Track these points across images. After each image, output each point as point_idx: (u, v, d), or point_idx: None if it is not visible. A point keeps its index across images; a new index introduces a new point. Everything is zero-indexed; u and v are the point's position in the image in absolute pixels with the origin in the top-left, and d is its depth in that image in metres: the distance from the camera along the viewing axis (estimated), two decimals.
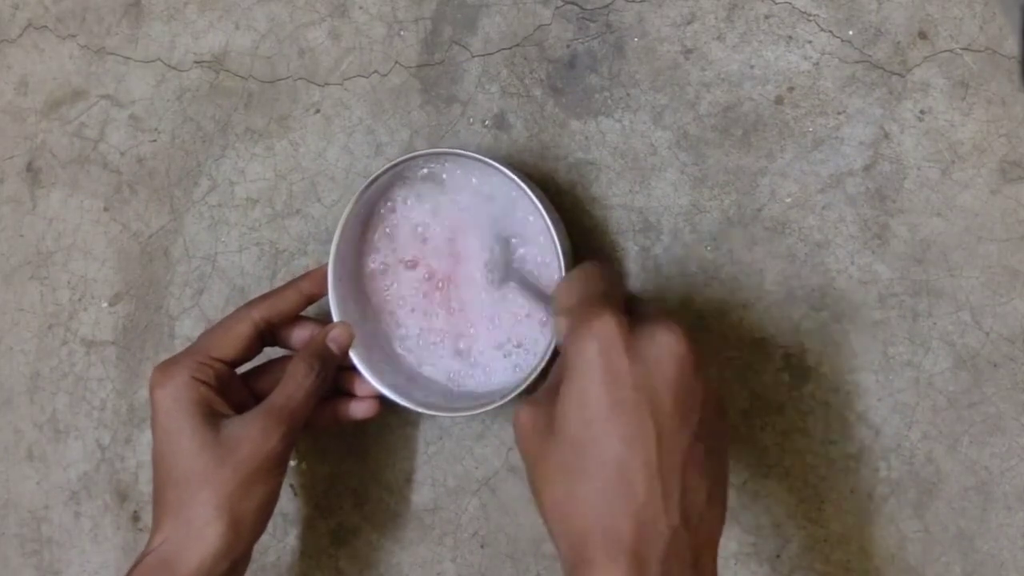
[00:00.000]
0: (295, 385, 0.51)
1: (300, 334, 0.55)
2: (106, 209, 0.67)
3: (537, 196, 0.51)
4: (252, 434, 0.48)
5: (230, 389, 0.52)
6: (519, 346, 0.55)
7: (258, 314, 0.53)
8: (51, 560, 0.67)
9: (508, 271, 0.53)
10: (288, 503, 0.62)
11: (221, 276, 0.64)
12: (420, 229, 0.56)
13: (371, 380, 0.54)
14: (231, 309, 0.64)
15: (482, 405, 0.52)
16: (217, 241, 0.64)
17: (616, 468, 0.37)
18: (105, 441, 0.66)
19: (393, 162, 0.52)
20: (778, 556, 0.54)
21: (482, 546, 0.58)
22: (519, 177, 0.51)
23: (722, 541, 0.54)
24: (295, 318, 0.55)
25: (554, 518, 0.39)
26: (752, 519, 0.54)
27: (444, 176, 0.56)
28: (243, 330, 0.52)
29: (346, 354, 0.54)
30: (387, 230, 0.57)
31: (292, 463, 0.62)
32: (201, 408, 0.49)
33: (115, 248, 0.67)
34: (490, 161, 0.51)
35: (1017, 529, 0.51)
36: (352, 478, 0.61)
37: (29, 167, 0.69)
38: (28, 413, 0.68)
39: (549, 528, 0.39)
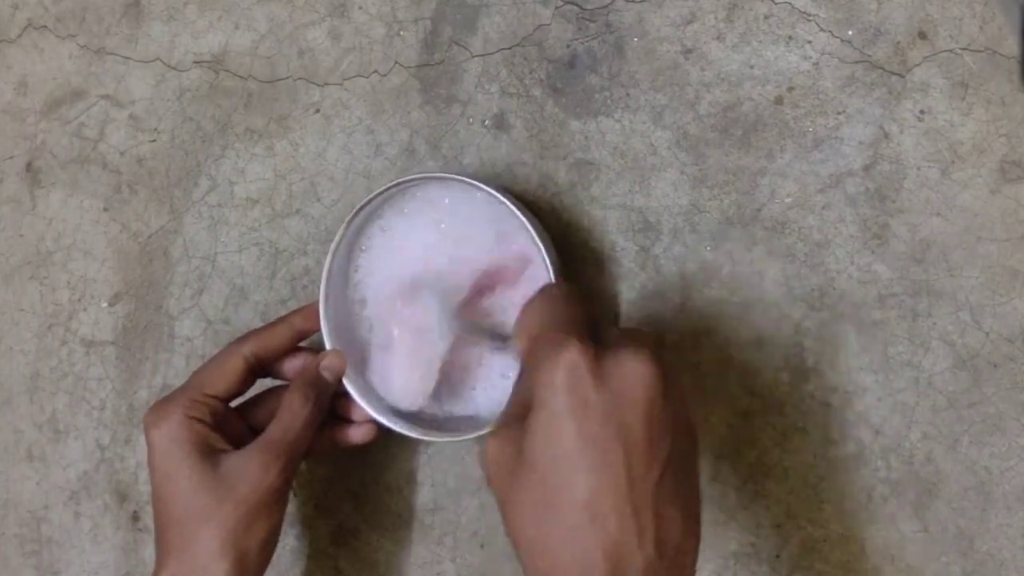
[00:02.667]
0: (291, 417, 0.51)
1: (293, 364, 0.55)
2: (106, 209, 0.67)
3: (526, 217, 0.51)
4: (251, 469, 0.48)
5: (226, 424, 0.52)
6: (504, 376, 0.55)
7: (249, 350, 0.53)
8: (51, 560, 0.67)
9: (452, 324, 0.53)
10: (288, 503, 0.62)
11: (221, 276, 0.64)
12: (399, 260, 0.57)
13: (363, 405, 0.54)
14: (231, 309, 0.64)
15: (475, 429, 0.52)
16: (217, 241, 0.64)
17: (588, 503, 0.36)
18: (105, 441, 0.66)
19: (379, 190, 0.53)
20: (778, 556, 0.54)
21: (482, 546, 0.58)
22: (509, 200, 0.51)
23: (722, 541, 0.54)
24: (295, 349, 0.55)
25: (528, 554, 0.38)
26: (752, 519, 0.54)
27: (423, 202, 0.56)
28: (235, 366, 0.52)
29: (340, 381, 0.54)
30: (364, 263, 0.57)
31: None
32: (198, 446, 0.49)
33: (115, 248, 0.67)
34: (482, 185, 0.51)
35: (1017, 529, 0.51)
36: (352, 478, 0.61)
37: (29, 167, 0.69)
38: (28, 413, 0.68)
39: (523, 564, 0.39)
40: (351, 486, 0.61)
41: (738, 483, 0.54)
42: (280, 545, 0.62)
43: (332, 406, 0.55)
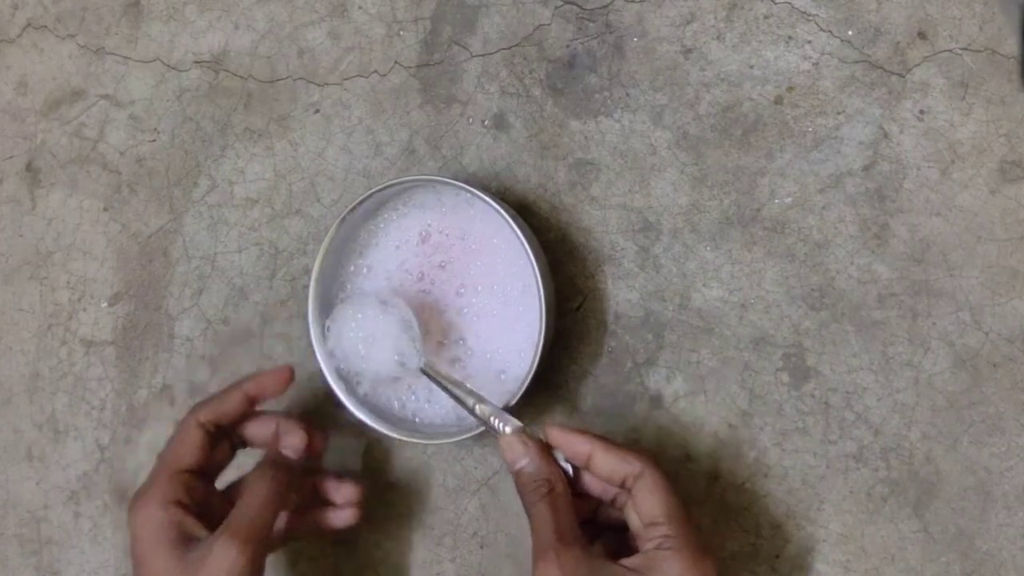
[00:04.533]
0: (251, 499, 0.50)
1: (259, 430, 0.55)
2: (105, 209, 0.67)
3: (515, 221, 0.52)
4: (217, 557, 0.48)
5: (209, 504, 0.52)
6: (500, 379, 0.55)
7: (203, 417, 0.53)
8: (50, 560, 0.67)
9: (420, 360, 0.53)
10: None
11: (220, 276, 0.64)
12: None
13: (359, 415, 0.55)
14: (231, 309, 0.64)
15: (465, 431, 0.53)
16: (216, 241, 0.64)
17: None
18: (104, 441, 0.66)
19: (373, 190, 0.54)
20: (778, 556, 0.54)
21: (482, 546, 0.58)
22: (499, 205, 0.52)
23: (722, 541, 0.54)
24: (255, 414, 0.55)
25: None
26: (752, 519, 0.54)
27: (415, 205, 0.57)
28: (193, 437, 0.52)
29: (304, 458, 0.53)
30: (363, 269, 0.58)
31: None
32: (171, 532, 0.49)
33: (114, 248, 0.66)
34: (475, 191, 0.51)
35: (1017, 529, 0.51)
36: (352, 478, 0.61)
37: (29, 167, 0.69)
38: (28, 413, 0.68)
39: None
40: None
41: (738, 483, 0.54)
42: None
43: (313, 488, 0.55)
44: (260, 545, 0.49)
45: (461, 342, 0.56)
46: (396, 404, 0.57)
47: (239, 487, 0.55)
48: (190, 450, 0.52)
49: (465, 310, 0.56)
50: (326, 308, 0.57)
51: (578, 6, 0.58)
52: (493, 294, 0.55)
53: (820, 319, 0.54)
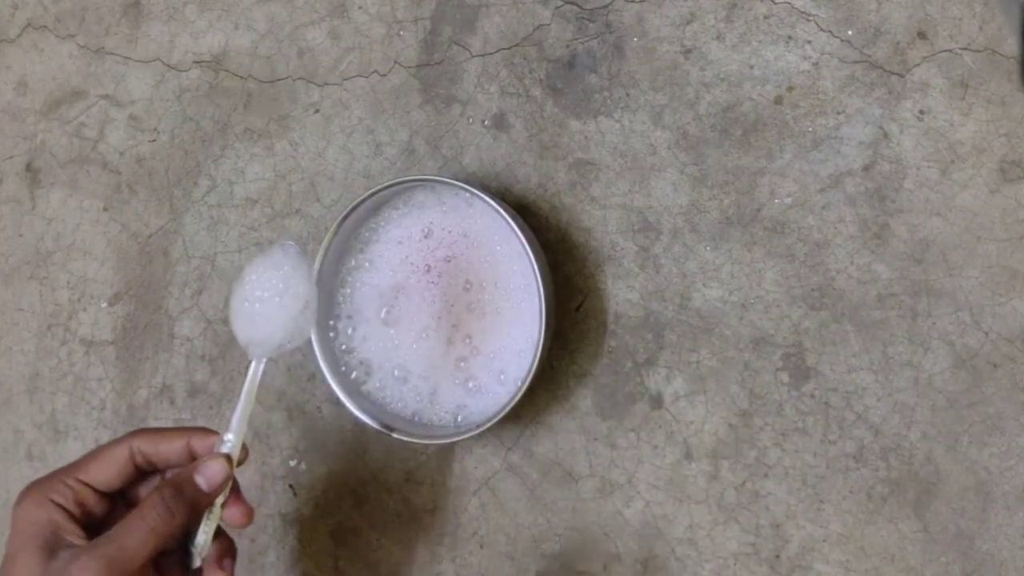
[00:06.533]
0: (133, 524, 0.44)
1: (173, 446, 0.48)
2: (105, 209, 0.67)
3: (518, 225, 0.52)
4: (69, 571, 0.42)
5: (101, 517, 0.47)
6: (500, 381, 0.56)
7: (138, 444, 0.47)
8: None
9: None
10: (288, 503, 0.62)
11: (220, 276, 0.64)
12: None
13: (362, 417, 0.55)
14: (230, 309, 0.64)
15: (465, 431, 0.53)
16: (216, 241, 0.64)
17: None
18: (104, 441, 0.66)
19: (373, 190, 0.54)
20: (778, 556, 0.54)
21: (481, 546, 0.58)
22: (498, 204, 0.52)
23: (722, 541, 0.54)
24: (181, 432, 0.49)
25: None
26: (752, 519, 0.54)
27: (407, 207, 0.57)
28: (118, 455, 0.47)
29: (219, 493, 0.46)
30: (349, 290, 0.58)
31: (292, 463, 0.62)
32: (44, 533, 0.44)
33: (114, 248, 0.66)
34: (470, 188, 0.51)
35: (1017, 529, 0.51)
36: (352, 478, 0.61)
37: (28, 167, 0.69)
38: (27, 413, 0.68)
39: None
40: (351, 486, 0.61)
41: (737, 483, 0.54)
42: (280, 545, 0.62)
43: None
44: (125, 575, 0.43)
45: (468, 340, 0.56)
46: (396, 404, 0.57)
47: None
48: (105, 467, 0.47)
49: (472, 306, 0.56)
50: (327, 308, 0.57)
51: (578, 6, 0.58)
52: (496, 292, 0.55)
53: (820, 319, 0.54)
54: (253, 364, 0.49)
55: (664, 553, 0.55)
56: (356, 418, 0.55)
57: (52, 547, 0.44)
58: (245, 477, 0.62)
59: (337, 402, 0.56)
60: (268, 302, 0.48)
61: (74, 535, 0.45)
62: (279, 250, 0.49)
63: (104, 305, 0.67)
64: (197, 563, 0.46)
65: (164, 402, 0.65)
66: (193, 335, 0.64)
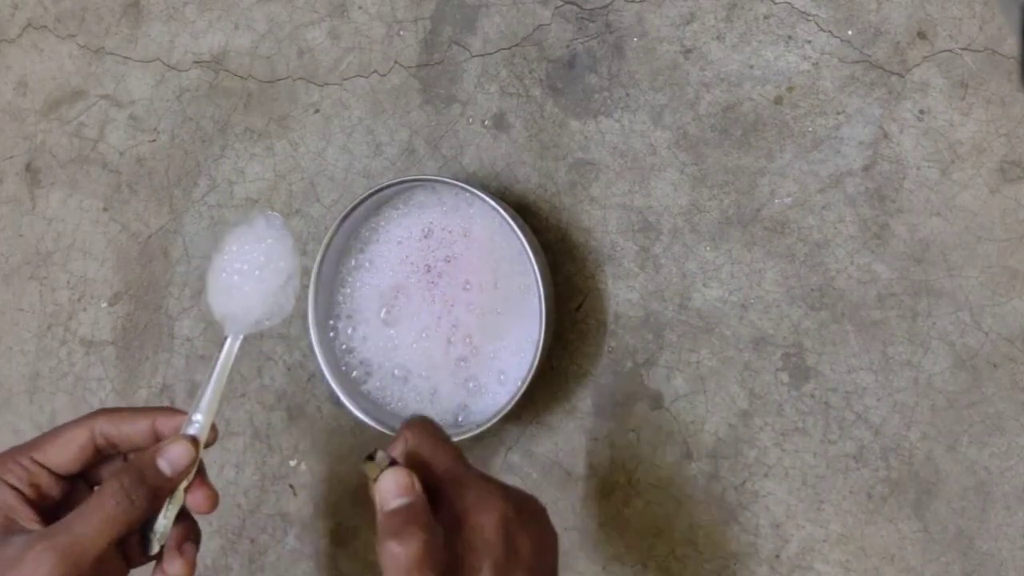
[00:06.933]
0: (90, 511, 0.41)
1: (135, 428, 0.46)
2: (105, 209, 0.67)
3: (517, 224, 0.52)
4: (22, 560, 0.40)
5: (57, 500, 0.45)
6: (500, 381, 0.56)
7: (100, 426, 0.45)
8: None
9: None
10: (288, 503, 0.62)
11: None
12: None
13: (361, 417, 0.55)
14: None
15: (465, 431, 0.53)
16: (216, 241, 0.64)
17: None
18: None
19: (372, 189, 0.54)
20: (778, 556, 0.54)
21: None
22: (499, 205, 0.52)
23: (721, 541, 0.54)
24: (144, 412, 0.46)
25: None
26: (752, 519, 0.54)
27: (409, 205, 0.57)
28: (77, 438, 0.45)
29: (183, 478, 0.44)
30: (349, 290, 0.58)
31: (292, 463, 0.62)
32: None
33: (114, 248, 0.66)
34: (469, 187, 0.51)
35: (1017, 529, 0.51)
36: (352, 478, 0.61)
37: (28, 167, 0.69)
38: (27, 413, 0.68)
39: None
40: (351, 486, 0.61)
41: (737, 483, 0.54)
42: (280, 545, 0.62)
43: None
44: (77, 567, 0.40)
45: (468, 340, 0.56)
46: (396, 404, 0.57)
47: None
48: (62, 449, 0.44)
49: (472, 306, 0.56)
50: (327, 308, 0.57)
51: (578, 6, 0.58)
52: (496, 292, 0.55)
53: (820, 319, 0.54)
54: (228, 340, 0.46)
55: (664, 553, 0.55)
56: (356, 418, 0.55)
57: (3, 531, 0.42)
58: (245, 477, 0.63)
59: (337, 402, 0.56)
60: (248, 275, 0.45)
61: (27, 519, 0.43)
62: (262, 220, 0.46)
63: (104, 305, 0.67)
64: (155, 549, 0.44)
65: (164, 402, 0.65)
66: (193, 335, 0.64)
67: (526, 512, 0.41)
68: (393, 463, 0.40)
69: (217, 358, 0.46)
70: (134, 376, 0.65)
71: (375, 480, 0.40)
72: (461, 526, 0.39)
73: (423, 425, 0.43)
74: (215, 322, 0.46)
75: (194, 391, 0.64)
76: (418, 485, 0.39)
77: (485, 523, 0.39)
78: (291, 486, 0.62)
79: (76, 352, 0.67)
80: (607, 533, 0.56)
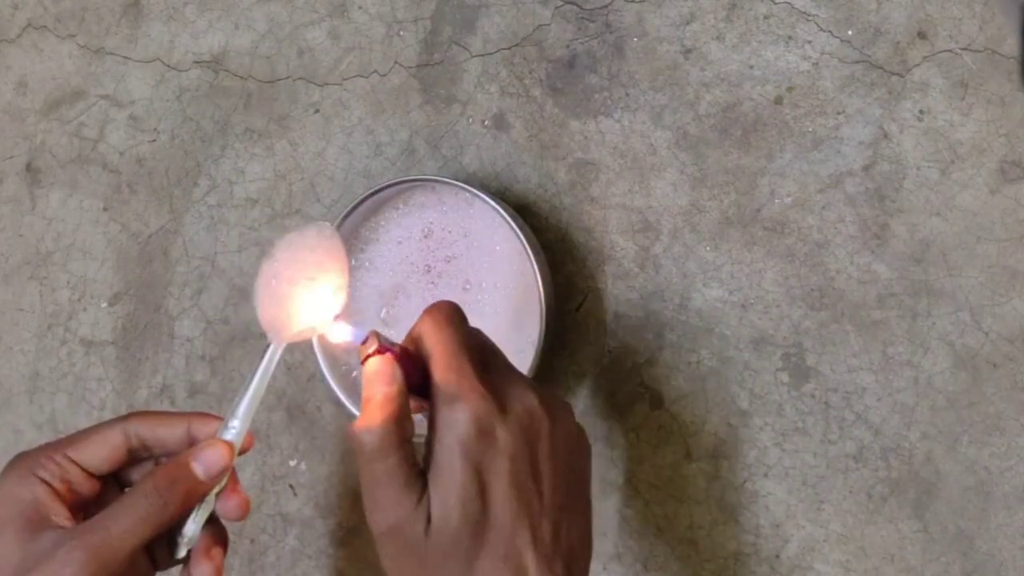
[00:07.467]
0: (122, 511, 0.41)
1: (170, 431, 0.46)
2: (105, 209, 0.67)
3: (516, 222, 0.52)
4: (52, 556, 0.40)
5: (89, 499, 0.45)
6: None
7: (134, 427, 0.45)
8: None
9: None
10: (288, 503, 0.62)
11: (220, 276, 0.64)
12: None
13: (352, 409, 0.55)
14: (231, 309, 0.64)
15: None
16: (216, 241, 0.64)
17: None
18: None
19: (372, 189, 0.54)
20: (778, 556, 0.54)
21: None
22: (499, 205, 0.52)
23: (721, 541, 0.54)
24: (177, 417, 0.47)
25: None
26: (752, 519, 0.54)
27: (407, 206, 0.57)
28: (111, 437, 0.45)
29: (217, 482, 0.44)
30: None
31: (292, 463, 0.62)
32: (26, 511, 0.42)
33: (114, 248, 0.67)
34: (471, 188, 0.51)
35: (1017, 529, 0.51)
36: (352, 478, 0.61)
37: (28, 167, 0.69)
38: (27, 413, 0.68)
39: None
40: (351, 486, 0.61)
41: (737, 483, 0.54)
42: (280, 545, 0.62)
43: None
44: (106, 568, 0.40)
45: None
46: None
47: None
48: (96, 447, 0.44)
49: (472, 306, 0.56)
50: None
51: (578, 6, 0.58)
52: (496, 292, 0.55)
53: (820, 319, 0.54)
54: (271, 348, 0.46)
55: (664, 553, 0.55)
56: (356, 418, 0.55)
57: (35, 526, 0.42)
58: (245, 477, 0.62)
59: (337, 402, 0.56)
60: (298, 284, 0.45)
61: (59, 515, 0.43)
62: (313, 229, 0.46)
63: (104, 305, 0.67)
64: (182, 553, 0.44)
65: (164, 402, 0.65)
66: (193, 335, 0.64)
67: (526, 414, 0.40)
68: (384, 350, 0.40)
69: (257, 365, 0.46)
70: (134, 376, 0.65)
71: (363, 363, 0.40)
72: (434, 420, 0.39)
73: (438, 307, 0.42)
74: (262, 329, 0.46)
75: (194, 391, 0.64)
76: (399, 374, 0.39)
77: (457, 420, 0.38)
78: (291, 486, 0.62)
79: (76, 352, 0.67)
80: (607, 533, 0.56)
